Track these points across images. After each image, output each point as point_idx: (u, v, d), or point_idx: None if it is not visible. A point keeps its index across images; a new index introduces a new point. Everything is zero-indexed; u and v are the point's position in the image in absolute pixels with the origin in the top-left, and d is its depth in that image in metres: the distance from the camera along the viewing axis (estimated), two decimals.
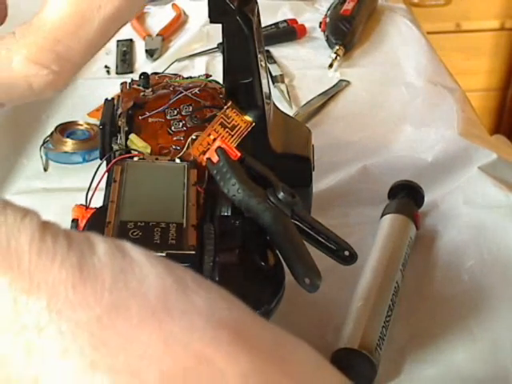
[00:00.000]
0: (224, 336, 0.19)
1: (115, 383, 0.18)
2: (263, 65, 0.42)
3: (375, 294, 0.48)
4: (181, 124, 0.41)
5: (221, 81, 0.44)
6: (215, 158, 0.38)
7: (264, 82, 0.41)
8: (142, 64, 0.81)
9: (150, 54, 0.82)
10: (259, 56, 0.41)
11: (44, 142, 0.65)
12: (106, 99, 0.44)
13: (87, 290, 0.19)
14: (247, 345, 0.20)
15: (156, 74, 0.49)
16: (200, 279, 0.21)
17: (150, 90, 0.43)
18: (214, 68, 0.79)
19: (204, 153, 0.39)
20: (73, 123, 0.68)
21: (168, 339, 0.19)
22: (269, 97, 0.44)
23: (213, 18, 0.39)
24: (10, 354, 0.18)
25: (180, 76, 0.46)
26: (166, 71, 0.71)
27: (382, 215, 0.56)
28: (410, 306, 0.50)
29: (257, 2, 0.42)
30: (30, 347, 0.18)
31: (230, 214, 0.39)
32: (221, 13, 0.38)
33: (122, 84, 0.45)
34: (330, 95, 0.74)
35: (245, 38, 0.39)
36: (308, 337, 0.47)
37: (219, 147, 0.38)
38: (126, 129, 0.40)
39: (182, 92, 0.42)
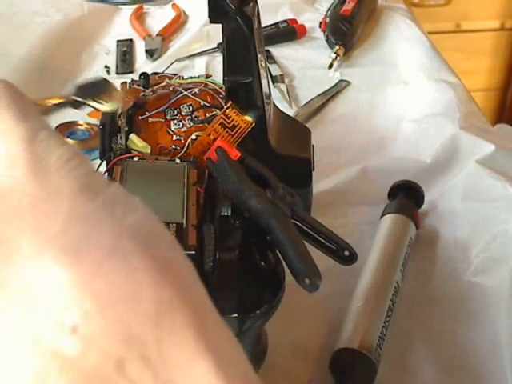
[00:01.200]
0: (158, 265, 0.20)
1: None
2: (263, 65, 0.42)
3: (375, 293, 0.48)
4: (181, 124, 0.41)
5: (221, 81, 0.44)
6: (215, 158, 0.38)
7: (264, 82, 0.41)
8: (142, 64, 0.81)
9: (150, 54, 0.82)
10: (259, 56, 0.41)
11: None
12: None
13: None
14: (183, 291, 0.20)
15: (156, 74, 0.48)
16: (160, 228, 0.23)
17: (150, 90, 0.43)
18: (214, 68, 0.79)
19: (204, 153, 0.39)
20: (73, 123, 0.68)
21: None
22: (269, 97, 0.44)
23: (213, 18, 0.39)
24: None
25: (180, 76, 0.46)
26: (166, 71, 0.71)
27: (382, 215, 0.56)
28: (410, 305, 0.50)
29: (257, 2, 0.42)
30: None
31: (229, 214, 0.39)
32: (221, 13, 0.38)
33: (122, 84, 0.45)
34: (330, 95, 0.74)
35: (245, 38, 0.39)
36: (308, 336, 0.48)
37: (219, 147, 0.38)
38: (126, 129, 0.40)
39: (181, 92, 0.42)
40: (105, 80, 0.38)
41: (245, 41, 0.39)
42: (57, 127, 0.66)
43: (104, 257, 0.20)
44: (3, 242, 0.20)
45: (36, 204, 0.20)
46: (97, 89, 0.38)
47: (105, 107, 0.38)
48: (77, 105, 0.37)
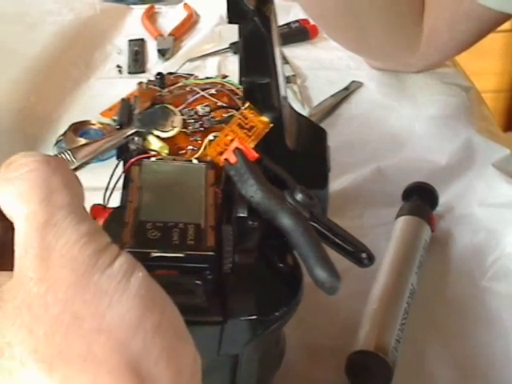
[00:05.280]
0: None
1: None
2: (280, 65, 0.41)
3: (391, 296, 0.48)
4: (198, 124, 0.41)
5: (235, 81, 0.44)
6: (233, 159, 0.38)
7: (281, 82, 0.41)
8: (154, 64, 0.81)
9: (162, 53, 0.82)
10: (276, 56, 0.40)
11: (57, 142, 0.65)
12: (123, 99, 0.44)
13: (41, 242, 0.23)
14: None
15: (171, 74, 0.48)
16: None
17: (167, 90, 0.43)
18: (226, 68, 0.79)
19: (221, 153, 0.39)
20: (86, 122, 0.68)
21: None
22: (285, 98, 0.44)
23: (231, 19, 0.39)
24: None
25: (196, 76, 0.46)
26: (179, 71, 0.71)
27: (397, 217, 0.55)
28: (426, 308, 0.49)
29: (273, 3, 0.41)
30: None
31: (246, 215, 0.39)
32: (239, 13, 0.38)
33: (138, 84, 0.45)
34: (343, 96, 0.74)
35: (262, 39, 0.39)
36: (323, 338, 0.47)
37: (237, 148, 0.38)
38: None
39: (198, 92, 0.42)
40: (164, 107, 0.40)
41: (262, 41, 0.39)
42: (70, 127, 0.67)
43: (75, 367, 0.22)
44: (2, 350, 0.22)
45: (34, 303, 0.22)
46: (157, 117, 0.39)
47: (166, 134, 0.39)
48: (141, 135, 0.39)
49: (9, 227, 0.29)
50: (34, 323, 0.22)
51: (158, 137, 0.39)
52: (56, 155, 0.31)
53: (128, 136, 0.39)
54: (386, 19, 0.66)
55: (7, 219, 0.27)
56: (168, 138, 0.40)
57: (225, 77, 0.45)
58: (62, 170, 0.25)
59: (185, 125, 0.41)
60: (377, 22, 0.66)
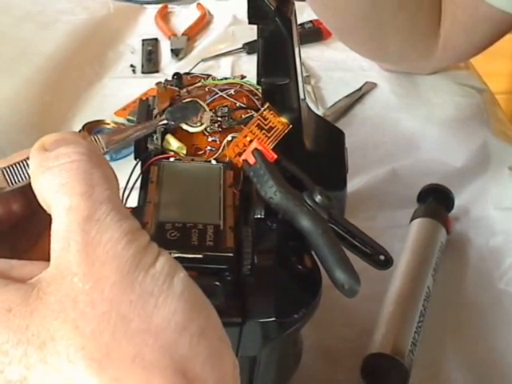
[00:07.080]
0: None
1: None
2: (299, 66, 0.41)
3: (406, 298, 0.48)
4: (216, 125, 0.41)
5: (253, 81, 0.44)
6: (252, 160, 0.38)
7: (300, 83, 0.41)
8: (168, 63, 0.81)
9: (176, 53, 0.82)
10: (296, 57, 0.40)
11: None
12: (141, 99, 0.44)
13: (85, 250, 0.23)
14: None
15: (188, 74, 0.48)
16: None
17: (185, 90, 0.43)
18: (240, 68, 0.79)
19: (240, 154, 0.39)
20: (100, 122, 0.68)
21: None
22: (303, 99, 0.43)
23: (251, 20, 0.39)
24: None
25: (214, 77, 0.46)
26: (192, 71, 0.71)
27: (412, 219, 0.55)
28: (442, 311, 0.49)
29: (294, 3, 0.41)
30: None
31: (263, 216, 0.39)
32: (260, 14, 0.38)
33: (156, 84, 0.45)
34: (357, 97, 0.74)
35: (283, 40, 0.39)
36: (339, 340, 0.47)
37: (256, 149, 0.38)
38: (163, 129, 0.40)
39: (217, 93, 0.42)
40: (195, 102, 0.40)
41: (283, 42, 0.39)
42: (84, 126, 0.67)
43: (125, 368, 0.21)
44: (45, 343, 0.22)
45: (79, 299, 0.22)
46: (187, 112, 0.40)
47: (194, 129, 0.40)
48: (169, 126, 0.39)
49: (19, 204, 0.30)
50: (79, 319, 0.22)
51: (185, 130, 0.39)
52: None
53: (158, 126, 0.39)
54: (406, 28, 0.66)
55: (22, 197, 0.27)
56: (187, 138, 0.40)
57: (243, 77, 0.45)
58: (103, 165, 0.25)
59: None
60: (397, 32, 0.66)
